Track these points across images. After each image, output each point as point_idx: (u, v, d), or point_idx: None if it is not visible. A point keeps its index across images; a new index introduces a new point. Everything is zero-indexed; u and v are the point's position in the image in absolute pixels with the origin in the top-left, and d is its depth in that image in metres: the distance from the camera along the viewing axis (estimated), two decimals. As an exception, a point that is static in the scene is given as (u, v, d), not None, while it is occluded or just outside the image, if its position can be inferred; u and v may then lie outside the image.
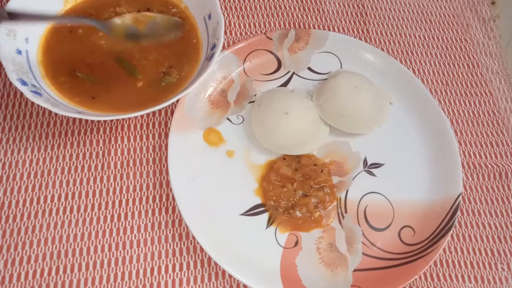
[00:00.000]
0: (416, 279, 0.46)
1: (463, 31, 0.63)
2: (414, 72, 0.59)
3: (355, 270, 0.45)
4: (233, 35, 0.59)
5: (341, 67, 0.57)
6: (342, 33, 0.61)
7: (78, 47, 0.51)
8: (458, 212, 0.47)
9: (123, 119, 0.52)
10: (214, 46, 0.49)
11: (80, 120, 0.51)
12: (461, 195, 0.48)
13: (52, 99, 0.45)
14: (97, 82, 0.48)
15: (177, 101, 0.50)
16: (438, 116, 0.53)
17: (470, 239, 0.49)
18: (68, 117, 0.51)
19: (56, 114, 0.51)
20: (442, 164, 0.51)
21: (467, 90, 0.58)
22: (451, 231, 0.46)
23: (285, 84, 0.56)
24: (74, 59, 0.50)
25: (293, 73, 0.56)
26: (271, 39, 0.57)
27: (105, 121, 0.51)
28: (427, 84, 0.58)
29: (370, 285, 0.44)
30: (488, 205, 0.51)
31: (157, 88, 0.49)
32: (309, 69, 0.57)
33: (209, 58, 0.49)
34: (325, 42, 0.58)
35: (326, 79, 0.55)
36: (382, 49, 0.60)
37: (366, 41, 0.61)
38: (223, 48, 0.56)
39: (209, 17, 0.51)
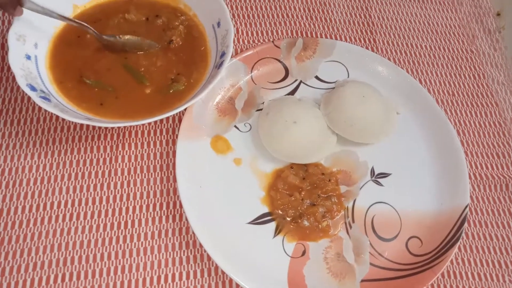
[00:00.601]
0: (423, 291, 0.45)
1: (469, 42, 0.64)
2: (420, 82, 0.59)
3: (362, 281, 0.45)
4: (241, 43, 0.59)
5: (348, 76, 0.57)
6: (349, 42, 0.61)
7: (85, 53, 0.51)
8: (466, 223, 0.47)
9: (131, 126, 0.51)
10: (223, 54, 0.49)
11: (88, 126, 0.51)
12: (468, 206, 0.48)
13: (60, 105, 0.45)
14: (105, 89, 0.48)
15: (185, 108, 0.50)
16: (445, 126, 0.53)
17: (477, 250, 0.49)
18: (75, 123, 0.51)
19: (63, 120, 0.51)
20: (449, 174, 0.51)
21: (473, 101, 0.59)
22: (459, 242, 0.46)
23: (292, 92, 0.56)
24: (82, 65, 0.50)
25: (301, 81, 0.57)
26: (279, 48, 0.57)
27: (112, 128, 0.51)
28: (433, 94, 0.59)
29: (377, 296, 0.43)
30: (495, 216, 0.51)
31: (165, 95, 0.49)
32: (317, 77, 0.57)
33: (218, 66, 0.49)
34: (332, 51, 0.58)
35: (334, 88, 0.55)
36: (389, 59, 0.60)
37: (373, 50, 0.61)
38: (231, 55, 0.56)
39: (218, 25, 0.52)
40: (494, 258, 0.48)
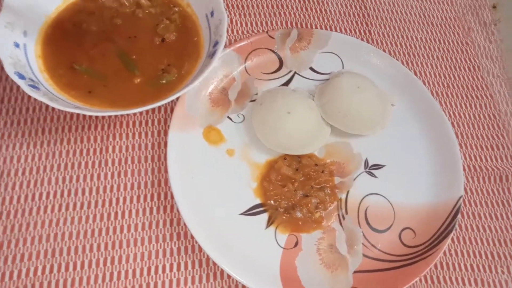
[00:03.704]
0: (416, 282, 0.45)
1: (464, 34, 0.63)
2: (415, 74, 0.59)
3: (355, 272, 0.44)
4: (235, 33, 0.58)
5: (343, 68, 0.57)
6: (344, 34, 0.60)
7: (80, 41, 0.50)
8: (459, 215, 0.47)
9: (121, 116, 0.51)
10: (216, 43, 0.48)
11: (78, 116, 0.50)
12: (462, 198, 0.47)
13: (49, 93, 0.44)
14: (95, 76, 0.47)
15: (177, 98, 0.50)
16: (440, 119, 0.53)
17: (471, 241, 0.48)
18: (65, 112, 0.50)
19: (53, 109, 0.50)
20: (443, 166, 0.50)
21: (468, 93, 0.58)
22: (452, 234, 0.45)
23: (286, 83, 0.55)
24: (75, 52, 0.49)
25: (295, 72, 0.56)
26: (273, 38, 0.56)
27: (103, 117, 0.50)
28: (428, 86, 0.58)
29: (370, 287, 0.43)
30: (489, 208, 0.51)
31: (155, 85, 0.48)
32: (311, 69, 0.56)
33: (211, 55, 0.48)
34: (327, 42, 0.57)
35: (328, 79, 0.55)
36: (384, 51, 0.60)
37: (368, 42, 0.60)
38: (225, 46, 0.56)
39: (212, 14, 0.51)
40: (487, 249, 0.48)
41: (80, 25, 0.51)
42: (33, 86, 0.43)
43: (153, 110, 0.52)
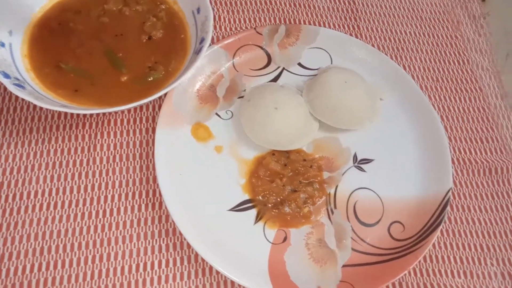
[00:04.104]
0: (405, 275, 0.45)
1: (453, 28, 0.63)
2: (404, 68, 0.59)
3: (344, 266, 0.44)
4: (223, 30, 0.58)
5: (331, 63, 0.57)
6: (333, 29, 0.60)
7: (66, 39, 0.50)
8: (448, 208, 0.47)
9: (109, 114, 0.51)
10: (202, 40, 0.48)
11: (66, 114, 0.50)
12: (451, 191, 0.47)
13: (35, 92, 0.44)
14: (82, 74, 0.47)
15: (165, 95, 0.50)
16: (429, 112, 0.53)
17: (460, 234, 0.48)
18: (53, 111, 0.50)
19: (40, 109, 0.50)
20: (432, 159, 0.50)
21: (457, 87, 0.58)
22: (441, 227, 0.45)
23: (275, 79, 0.55)
24: (62, 51, 0.49)
25: (283, 68, 0.56)
26: (261, 34, 0.56)
27: (91, 116, 0.50)
28: (417, 80, 0.58)
29: (359, 281, 0.43)
30: (478, 200, 0.51)
31: (142, 83, 0.48)
32: (300, 64, 0.56)
33: (198, 52, 0.48)
34: (315, 38, 0.57)
35: (316, 75, 0.55)
36: (373, 45, 0.60)
37: (357, 37, 0.60)
38: (213, 42, 0.56)
39: (198, 11, 0.51)
40: (477, 242, 0.48)
41: (67, 24, 0.51)
42: (19, 85, 0.43)
43: (140, 108, 0.52)
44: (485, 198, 0.51)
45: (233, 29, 0.59)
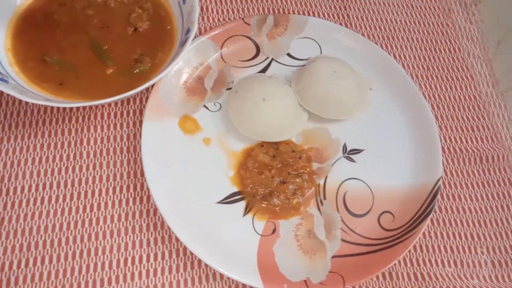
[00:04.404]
0: (395, 264, 0.45)
1: (444, 16, 0.63)
2: (395, 57, 0.58)
3: (333, 257, 0.44)
4: (211, 21, 0.58)
5: (321, 53, 0.56)
6: (322, 18, 0.59)
7: (51, 32, 0.49)
8: (438, 197, 0.47)
9: (96, 108, 0.50)
10: (188, 31, 0.48)
11: (52, 109, 0.50)
12: (441, 180, 0.47)
13: (19, 86, 0.44)
14: (67, 68, 0.47)
15: (152, 88, 0.49)
16: (419, 101, 0.52)
17: (450, 223, 0.48)
18: (38, 106, 0.50)
19: (26, 104, 0.50)
20: (422, 149, 0.50)
21: (448, 75, 0.58)
22: (431, 216, 0.45)
23: (264, 70, 0.54)
24: (46, 43, 0.48)
25: (272, 59, 0.55)
26: (249, 25, 0.55)
27: (77, 109, 0.50)
28: (408, 69, 0.58)
29: (348, 271, 0.43)
30: (469, 189, 0.50)
31: (128, 76, 0.47)
32: (289, 55, 0.56)
33: (183, 43, 0.47)
34: (304, 27, 0.56)
35: (305, 65, 0.54)
36: (363, 34, 0.59)
37: (346, 26, 0.60)
38: (200, 34, 0.55)
39: (184, 1, 0.50)
40: (467, 230, 0.48)
41: (51, 16, 0.50)
42: (2, 80, 0.43)
43: (127, 101, 0.51)
44: (476, 186, 0.51)
45: (221, 20, 0.58)
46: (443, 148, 0.52)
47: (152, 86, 0.49)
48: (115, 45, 0.49)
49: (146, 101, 0.50)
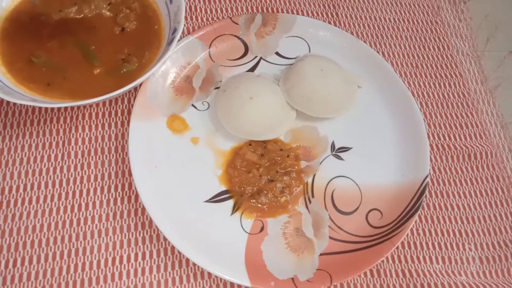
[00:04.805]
0: (383, 261, 0.45)
1: (433, 13, 0.63)
2: (384, 56, 0.58)
3: (321, 254, 0.44)
4: (199, 20, 0.58)
5: (309, 51, 0.56)
6: (310, 17, 0.60)
7: (37, 33, 0.49)
8: (426, 193, 0.47)
9: (83, 108, 0.50)
10: (175, 30, 0.48)
11: (40, 109, 0.50)
12: (428, 177, 0.47)
13: (5, 87, 0.44)
14: (54, 68, 0.47)
15: (140, 87, 0.49)
16: (407, 99, 0.52)
17: (438, 220, 0.48)
18: (26, 106, 0.50)
19: (14, 104, 0.50)
20: (410, 147, 0.50)
21: (437, 72, 0.58)
22: (418, 212, 0.45)
23: (252, 69, 0.55)
24: (33, 45, 0.48)
25: (261, 58, 0.55)
26: (238, 24, 0.55)
27: (65, 110, 0.50)
28: (397, 67, 0.58)
29: (336, 269, 0.43)
30: (457, 186, 0.51)
31: (116, 76, 0.47)
32: (277, 54, 0.56)
33: (170, 42, 0.47)
34: (292, 26, 0.57)
35: (293, 63, 0.54)
36: (352, 33, 0.59)
37: (335, 25, 0.60)
38: (188, 33, 0.55)
39: (171, 1, 0.50)
40: (455, 227, 0.48)
41: (38, 18, 0.50)
42: (-12, 81, 0.43)
43: (115, 101, 0.51)
44: (464, 183, 0.51)
45: (209, 19, 0.58)
46: (431, 145, 0.52)
47: (140, 85, 0.49)
48: (102, 45, 0.49)
49: (134, 101, 0.50)
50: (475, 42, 0.61)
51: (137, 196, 0.46)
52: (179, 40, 0.52)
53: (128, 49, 0.49)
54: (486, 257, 0.47)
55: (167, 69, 0.52)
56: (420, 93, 0.56)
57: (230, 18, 0.55)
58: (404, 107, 0.52)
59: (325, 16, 0.60)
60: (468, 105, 0.56)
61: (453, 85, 0.57)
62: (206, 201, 0.46)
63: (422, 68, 0.58)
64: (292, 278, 0.42)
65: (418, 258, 0.46)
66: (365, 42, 0.58)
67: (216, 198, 0.46)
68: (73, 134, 0.48)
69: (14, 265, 0.42)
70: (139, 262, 0.43)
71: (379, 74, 0.54)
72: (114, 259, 0.43)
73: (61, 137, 0.48)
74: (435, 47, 0.60)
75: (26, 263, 0.42)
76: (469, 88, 0.57)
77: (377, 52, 0.57)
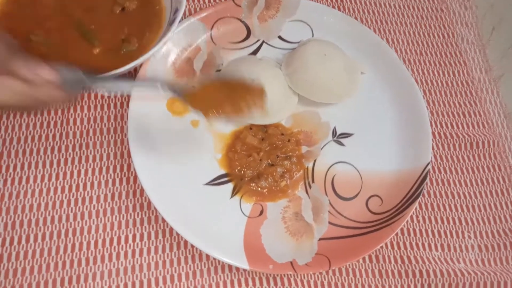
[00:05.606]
0: (382, 247, 0.45)
1: (439, 1, 0.62)
2: (387, 42, 0.57)
3: (320, 239, 0.44)
4: (201, 2, 0.57)
5: (312, 36, 0.55)
6: (314, 1, 0.58)
7: (37, 12, 0.48)
8: (427, 181, 0.46)
9: (83, 88, 0.50)
10: (176, 11, 0.47)
11: (38, 89, 0.49)
12: (430, 164, 0.47)
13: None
14: (53, 48, 0.46)
15: (140, 68, 0.48)
16: (410, 86, 0.52)
17: (439, 208, 0.48)
18: (24, 85, 0.49)
19: (12, 83, 0.49)
20: (412, 133, 0.50)
21: (441, 60, 0.57)
22: (419, 200, 0.45)
23: (254, 53, 0.54)
24: (32, 25, 0.47)
25: (263, 41, 0.55)
26: (240, 6, 0.55)
27: (64, 90, 0.49)
28: (401, 54, 0.57)
29: (335, 253, 0.43)
30: (458, 174, 0.50)
31: (115, 56, 0.47)
32: (280, 38, 0.55)
33: (171, 23, 0.47)
34: (296, 10, 0.56)
35: (296, 47, 0.53)
36: (356, 18, 0.58)
37: (339, 9, 0.59)
38: (190, 14, 0.54)
39: (172, -20, 0.49)
40: (455, 215, 0.48)
41: (39, -1, 0.49)
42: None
43: (115, 81, 0.50)
44: (466, 172, 0.51)
45: (211, 0, 0.57)
46: (433, 133, 0.52)
47: (140, 67, 0.48)
48: (102, 25, 0.48)
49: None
50: (480, 31, 0.60)
51: (135, 178, 0.46)
52: (180, 22, 0.51)
53: (128, 29, 0.48)
54: (486, 245, 0.47)
55: (168, 51, 0.51)
56: (423, 80, 0.56)
57: (233, 0, 0.54)
58: (407, 94, 0.52)
59: (329, 0, 0.59)
60: (471, 94, 0.55)
61: (457, 74, 0.57)
62: (206, 184, 0.46)
63: (426, 55, 0.57)
64: (291, 262, 0.42)
65: (417, 245, 0.46)
66: (369, 27, 0.57)
67: (216, 181, 0.46)
68: (71, 114, 0.48)
69: (11, 243, 0.41)
70: (137, 243, 0.43)
71: (382, 61, 0.54)
72: (112, 239, 0.43)
73: (59, 116, 0.48)
74: (440, 34, 0.59)
75: (23, 241, 0.42)
76: (473, 77, 0.57)
77: (381, 38, 0.56)
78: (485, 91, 0.56)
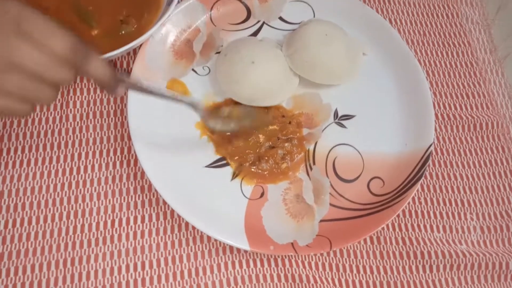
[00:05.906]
0: (383, 229, 0.45)
1: (444, -20, 0.60)
2: (390, 22, 0.56)
3: (321, 221, 0.44)
4: (200, -18, 0.56)
5: (314, 17, 0.54)
6: (316, -19, 0.57)
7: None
8: (429, 163, 0.46)
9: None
10: (175, -10, 0.46)
11: (37, 71, 0.49)
12: (432, 146, 0.46)
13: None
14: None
15: (139, 50, 0.48)
16: (413, 67, 0.51)
17: (441, 190, 0.48)
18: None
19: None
20: (414, 115, 0.49)
21: (445, 41, 0.56)
22: (421, 181, 0.45)
23: (254, 34, 0.53)
24: (29, 5, 0.47)
25: (264, 22, 0.54)
26: (240, -13, 0.54)
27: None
28: (404, 34, 0.56)
29: (336, 235, 0.43)
30: (461, 156, 0.50)
31: (114, 37, 0.46)
32: (281, 18, 0.54)
33: (170, 3, 0.46)
34: (297, -10, 0.55)
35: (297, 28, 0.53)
36: (358, -2, 0.57)
37: (341, -11, 0.57)
38: (188, -5, 0.53)
39: (171, -40, 0.48)
40: (457, 197, 0.48)
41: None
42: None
43: (114, 64, 0.50)
44: (469, 153, 0.50)
45: (211, -19, 0.56)
46: (436, 115, 0.51)
47: (139, 48, 0.48)
48: (99, 6, 0.48)
49: (133, 64, 0.49)
50: (485, 10, 0.58)
51: (136, 160, 0.46)
52: (179, 2, 0.50)
53: (126, 10, 0.48)
54: (488, 227, 0.46)
55: (167, 32, 0.50)
56: (427, 61, 0.55)
57: (233, -20, 0.53)
58: (410, 76, 0.51)
59: (331, -20, 0.58)
60: (475, 75, 0.54)
61: (461, 54, 0.56)
62: (206, 166, 0.46)
63: (430, 36, 0.56)
64: (292, 243, 0.42)
65: (419, 226, 0.46)
66: (371, 7, 0.56)
67: (217, 163, 0.46)
68: (71, 96, 0.48)
69: (14, 225, 0.42)
70: (139, 225, 0.43)
71: (385, 41, 0.53)
72: (113, 221, 0.43)
73: (59, 99, 0.47)
74: (444, 14, 0.58)
75: (26, 223, 0.42)
76: (478, 57, 0.56)
77: (384, 18, 0.55)
78: (489, 72, 0.55)
